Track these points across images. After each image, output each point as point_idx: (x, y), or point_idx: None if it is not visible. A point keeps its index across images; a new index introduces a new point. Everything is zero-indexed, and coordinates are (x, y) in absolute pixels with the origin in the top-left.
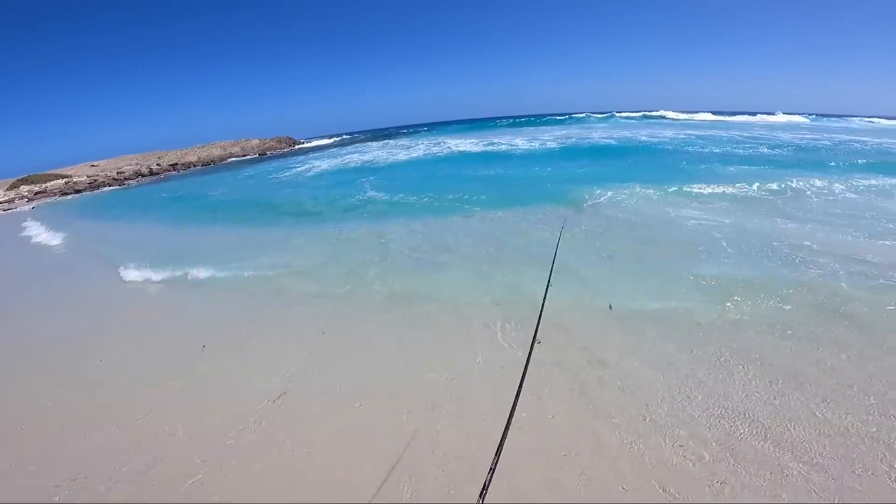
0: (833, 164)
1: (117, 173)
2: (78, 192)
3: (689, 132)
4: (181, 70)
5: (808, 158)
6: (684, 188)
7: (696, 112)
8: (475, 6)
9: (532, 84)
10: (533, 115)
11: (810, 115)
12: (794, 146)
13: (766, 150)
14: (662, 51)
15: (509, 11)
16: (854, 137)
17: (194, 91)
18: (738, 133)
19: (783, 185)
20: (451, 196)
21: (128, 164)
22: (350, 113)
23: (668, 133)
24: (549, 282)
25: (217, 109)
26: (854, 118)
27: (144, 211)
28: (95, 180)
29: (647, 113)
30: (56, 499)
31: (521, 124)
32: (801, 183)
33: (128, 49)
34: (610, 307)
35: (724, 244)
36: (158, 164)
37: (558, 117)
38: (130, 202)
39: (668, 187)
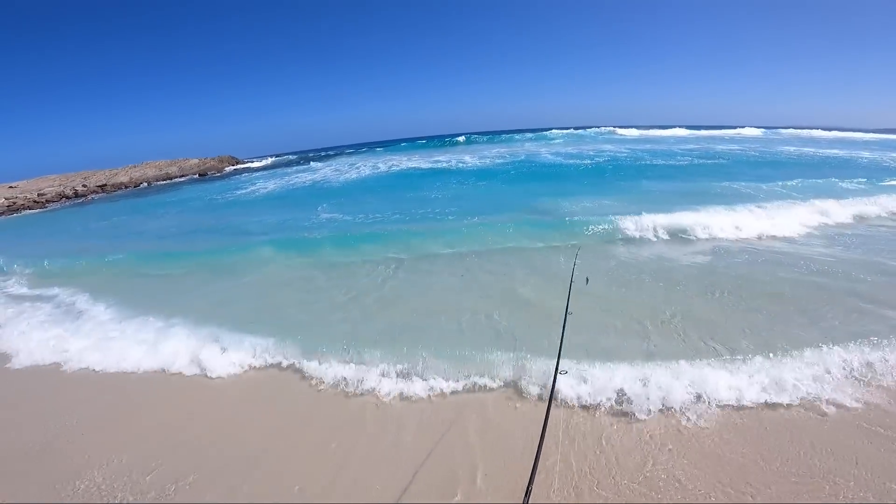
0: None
1: (38, 195)
2: None
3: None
4: (113, 83)
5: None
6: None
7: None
8: (426, 27)
9: (484, 102)
10: (484, 132)
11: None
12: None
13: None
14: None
15: (453, 32)
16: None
17: (127, 106)
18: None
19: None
20: (419, 217)
21: (49, 185)
22: (294, 131)
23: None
24: (566, 310)
25: (151, 127)
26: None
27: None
28: (14, 203)
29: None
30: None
31: (473, 142)
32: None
33: (45, 57)
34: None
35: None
36: (84, 186)
37: (505, 135)
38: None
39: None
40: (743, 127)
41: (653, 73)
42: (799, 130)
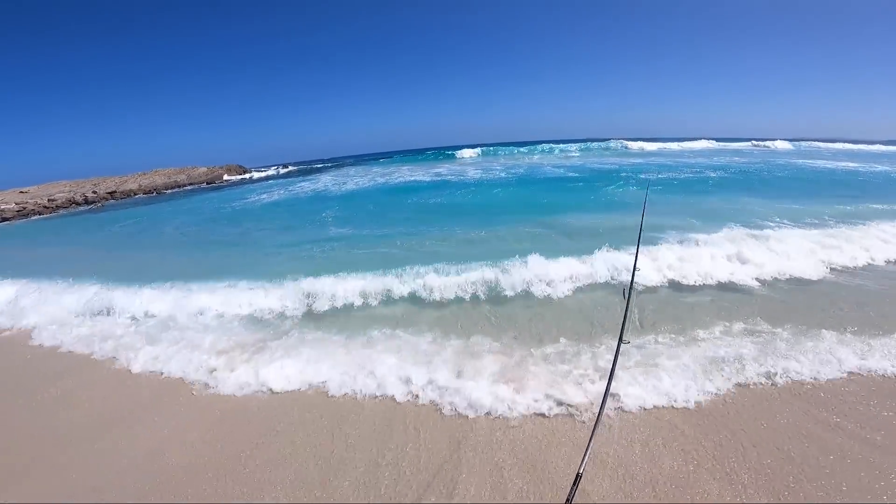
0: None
1: (48, 201)
2: (5, 219)
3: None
4: (121, 91)
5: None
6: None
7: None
8: (435, 40)
9: (489, 114)
10: (491, 144)
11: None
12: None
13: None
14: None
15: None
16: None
17: (136, 114)
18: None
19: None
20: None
21: (60, 190)
22: (297, 142)
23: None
24: (633, 272)
25: (161, 136)
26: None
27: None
28: (25, 208)
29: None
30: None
31: (482, 154)
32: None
33: (56, 66)
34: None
35: None
36: (94, 192)
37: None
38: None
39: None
40: (774, 139)
41: (679, 83)
42: (828, 144)
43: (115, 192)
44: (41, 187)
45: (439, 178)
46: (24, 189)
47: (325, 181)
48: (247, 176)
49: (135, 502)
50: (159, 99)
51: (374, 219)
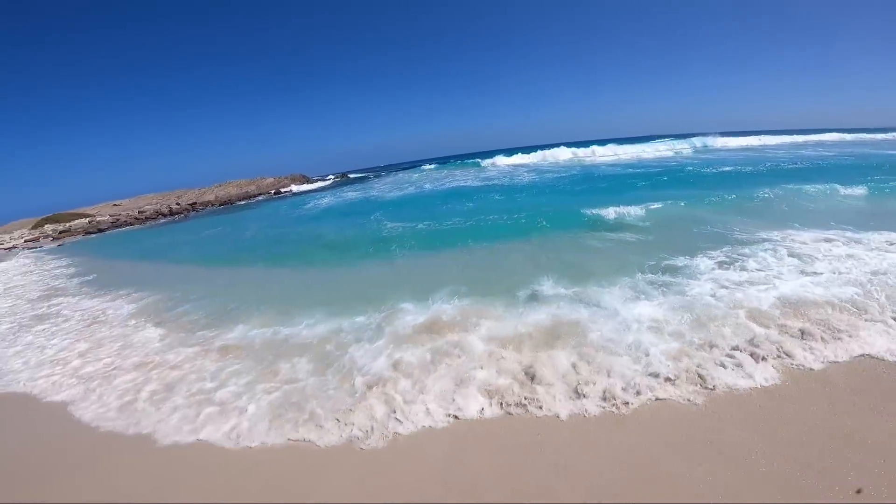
0: None
1: (139, 213)
2: (101, 230)
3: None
4: (204, 106)
5: None
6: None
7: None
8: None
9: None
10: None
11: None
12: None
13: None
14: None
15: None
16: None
17: (215, 129)
18: None
19: None
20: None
21: (148, 203)
22: (348, 153)
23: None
24: None
25: (233, 147)
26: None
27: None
28: (118, 219)
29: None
30: None
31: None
32: None
33: (151, 92)
34: None
35: None
36: (178, 204)
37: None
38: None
39: None
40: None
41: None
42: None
43: (195, 203)
44: (131, 200)
45: (491, 183)
46: (116, 202)
47: (384, 188)
48: (311, 186)
49: (139, 502)
50: (224, 113)
51: None
